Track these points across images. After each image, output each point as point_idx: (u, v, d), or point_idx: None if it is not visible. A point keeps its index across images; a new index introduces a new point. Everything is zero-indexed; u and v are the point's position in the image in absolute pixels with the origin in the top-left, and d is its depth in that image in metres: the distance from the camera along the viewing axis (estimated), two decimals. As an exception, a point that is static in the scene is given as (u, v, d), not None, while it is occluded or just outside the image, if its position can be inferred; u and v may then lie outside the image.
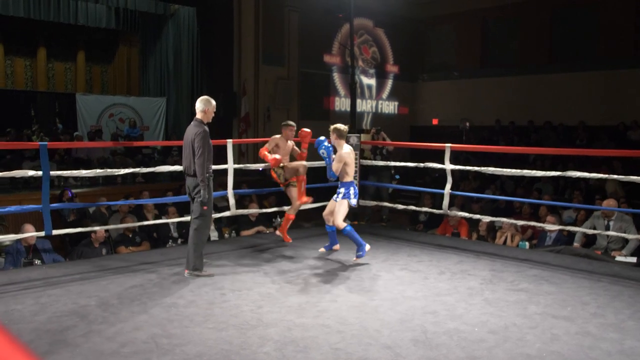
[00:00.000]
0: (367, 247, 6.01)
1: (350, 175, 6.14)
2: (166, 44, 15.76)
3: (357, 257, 5.97)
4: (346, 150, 6.11)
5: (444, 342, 3.76)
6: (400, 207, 8.17)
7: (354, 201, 6.15)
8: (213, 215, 7.98)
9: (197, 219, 5.35)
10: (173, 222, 7.83)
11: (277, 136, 6.80)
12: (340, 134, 6.14)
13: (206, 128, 5.34)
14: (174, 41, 15.45)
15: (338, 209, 6.06)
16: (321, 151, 6.20)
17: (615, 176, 6.23)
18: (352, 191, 6.13)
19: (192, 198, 5.44)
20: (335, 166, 6.07)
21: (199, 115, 5.40)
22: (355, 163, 8.06)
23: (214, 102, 5.50)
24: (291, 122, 6.92)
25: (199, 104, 5.41)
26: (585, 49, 15.44)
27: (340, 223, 5.97)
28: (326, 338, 3.81)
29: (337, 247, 6.44)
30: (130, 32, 17.06)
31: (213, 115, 5.50)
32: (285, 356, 3.53)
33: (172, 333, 3.87)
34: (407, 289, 5.02)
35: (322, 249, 6.47)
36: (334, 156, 6.15)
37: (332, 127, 6.19)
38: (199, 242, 5.35)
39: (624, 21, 14.58)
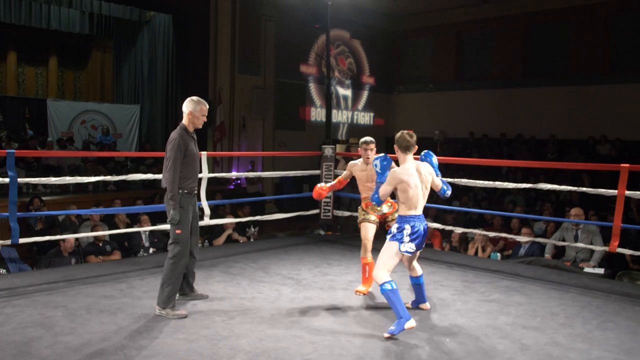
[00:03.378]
0: (409, 324, 3.99)
1: (411, 206, 4.23)
2: (141, 50, 15.62)
3: (389, 332, 4.02)
4: (399, 169, 4.27)
5: (415, 353, 3.77)
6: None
7: (408, 247, 4.20)
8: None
9: (172, 246, 4.51)
10: (145, 231, 7.72)
11: (355, 162, 5.42)
12: (400, 144, 4.32)
13: (185, 134, 4.51)
14: (149, 48, 15.32)
15: (381, 254, 4.27)
16: (374, 162, 4.50)
17: (584, 189, 6.34)
18: (406, 232, 4.20)
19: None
20: (383, 189, 4.31)
21: (183, 120, 4.56)
22: (327, 175, 8.10)
23: (203, 105, 4.57)
24: (368, 139, 5.31)
25: (184, 106, 4.56)
26: (557, 64, 15.75)
27: (379, 274, 4.15)
28: (298, 349, 3.79)
29: (425, 306, 4.70)
30: (104, 37, 16.87)
31: (203, 120, 4.59)
32: (257, 367, 3.50)
33: (142, 344, 3.81)
34: (380, 299, 5.01)
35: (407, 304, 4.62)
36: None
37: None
38: (173, 276, 4.46)
39: (595, 38, 14.92)
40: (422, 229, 4.26)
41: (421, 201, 4.29)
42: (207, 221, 6.83)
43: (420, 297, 4.71)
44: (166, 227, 7.08)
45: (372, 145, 5.26)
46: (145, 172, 8.71)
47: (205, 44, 14.54)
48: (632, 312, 4.83)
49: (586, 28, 15.08)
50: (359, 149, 5.32)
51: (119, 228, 8.01)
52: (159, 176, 7.25)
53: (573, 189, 6.38)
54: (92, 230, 7.52)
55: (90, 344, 3.77)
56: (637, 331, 4.35)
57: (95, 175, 7.50)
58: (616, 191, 5.77)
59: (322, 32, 13.46)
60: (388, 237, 4.33)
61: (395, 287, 4.09)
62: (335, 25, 15.17)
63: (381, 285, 4.09)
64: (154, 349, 3.73)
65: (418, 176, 4.28)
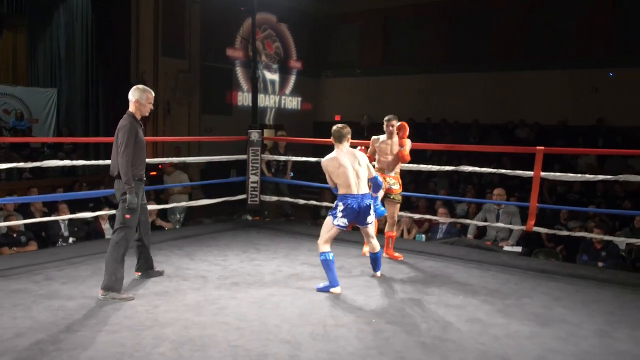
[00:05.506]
0: (335, 290, 4.72)
1: (344, 186, 4.82)
2: (57, 31, 14.75)
3: (318, 289, 4.81)
4: (326, 158, 4.92)
5: (342, 335, 3.80)
6: (302, 202, 8.21)
7: (340, 222, 4.81)
8: (109, 212, 7.65)
9: (119, 230, 4.59)
10: (64, 220, 7.39)
11: (378, 137, 5.95)
12: (334, 136, 4.96)
13: (134, 121, 4.61)
14: (66, 28, 14.51)
15: (322, 227, 4.94)
16: None
17: (503, 171, 6.59)
18: (340, 207, 4.82)
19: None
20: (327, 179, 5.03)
21: (130, 108, 4.67)
22: (254, 160, 8.03)
23: (149, 93, 4.70)
24: (391, 116, 5.94)
25: (130, 94, 4.68)
26: (479, 51, 16.23)
27: (320, 245, 4.83)
28: (225, 336, 3.74)
29: (377, 274, 5.31)
30: (16, 16, 15.80)
31: (150, 108, 4.73)
32: (182, 356, 3.42)
33: (60, 338, 3.64)
34: (307, 284, 5.03)
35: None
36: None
37: None
38: (119, 259, 4.53)
39: (514, 26, 15.48)
40: (356, 206, 4.79)
41: (354, 181, 4.81)
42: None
43: (373, 267, 5.31)
44: (86, 215, 6.85)
45: (394, 122, 5.89)
46: (64, 159, 8.24)
47: (127, 26, 13.94)
48: (547, 288, 5.09)
49: (506, 17, 15.61)
50: (384, 125, 5.92)
51: (35, 218, 7.61)
52: (78, 163, 7.00)
53: (493, 171, 6.64)
54: (5, 221, 7.09)
55: (1, 341, 3.55)
56: (551, 305, 4.58)
57: (8, 163, 7.04)
58: (532, 173, 6.03)
59: (248, 15, 13.22)
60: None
61: (331, 258, 4.76)
62: (261, 8, 14.95)
63: (320, 254, 4.79)
64: (72, 343, 3.57)
65: (351, 160, 4.87)
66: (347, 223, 4.83)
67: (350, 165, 4.83)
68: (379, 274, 5.29)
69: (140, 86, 4.75)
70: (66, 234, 7.50)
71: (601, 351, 3.68)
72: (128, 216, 4.60)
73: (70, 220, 7.29)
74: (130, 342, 3.60)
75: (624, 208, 9.24)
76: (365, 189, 4.87)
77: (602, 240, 6.65)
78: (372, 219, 5.00)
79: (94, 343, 3.57)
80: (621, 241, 6.76)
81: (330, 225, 4.85)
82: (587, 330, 4.02)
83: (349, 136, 4.98)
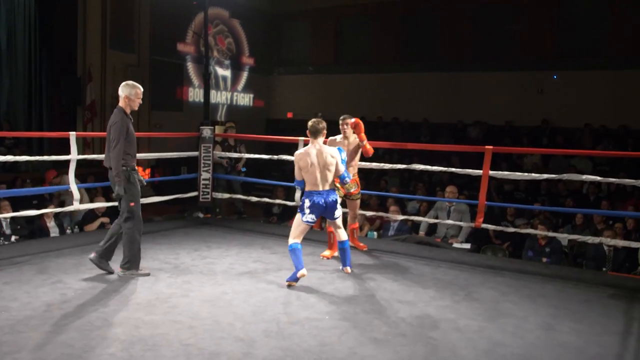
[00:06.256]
0: (300, 272, 4.79)
1: (309, 182, 5.05)
2: (-3, 21, 14.18)
3: (287, 279, 4.92)
4: (299, 151, 5.15)
5: (296, 332, 3.81)
6: (254, 199, 8.18)
7: (308, 217, 5.02)
8: (54, 209, 7.42)
9: (128, 219, 4.97)
10: (6, 218, 7.10)
11: (335, 137, 5.92)
12: (309, 130, 5.14)
13: (125, 117, 4.93)
14: (7, 18, 13.91)
15: (293, 223, 5.20)
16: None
17: (453, 169, 6.73)
18: (306, 204, 5.02)
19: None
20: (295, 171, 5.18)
21: (120, 103, 4.98)
22: (205, 157, 7.94)
23: (138, 89, 5.02)
24: (346, 115, 5.96)
25: (120, 90, 4.99)
26: (429, 51, 16.53)
27: (290, 238, 5.03)
28: (177, 334, 3.69)
29: (346, 269, 5.36)
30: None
31: (139, 102, 5.04)
32: (133, 356, 3.35)
33: (2, 341, 3.51)
34: (260, 281, 5.03)
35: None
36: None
37: None
38: (133, 243, 5.00)
39: (463, 29, 15.83)
40: (322, 202, 5.00)
41: (320, 179, 5.02)
42: (77, 205, 6.42)
43: (342, 261, 5.39)
44: (29, 212, 6.61)
45: (348, 120, 5.89)
46: (5, 154, 7.92)
47: (73, 16, 13.50)
48: (494, 283, 5.24)
49: (455, 19, 15.95)
50: (339, 124, 5.95)
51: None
52: (20, 158, 6.75)
53: (443, 169, 6.77)
54: (-59, 218, 6.79)
55: (-60, 344, 3.41)
56: (499, 300, 4.72)
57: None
58: (481, 171, 6.18)
59: (200, 9, 13.04)
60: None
61: (298, 247, 4.93)
62: (213, 3, 14.76)
63: (289, 245, 4.95)
64: (17, 345, 3.45)
65: (319, 157, 5.02)
66: (314, 218, 5.05)
67: (320, 166, 5.02)
68: (348, 269, 5.35)
69: (130, 82, 5.03)
70: (8, 231, 7.21)
71: (545, 343, 3.81)
72: (132, 204, 4.94)
73: (12, 217, 7.02)
74: (78, 342, 3.51)
75: (566, 206, 9.62)
76: (330, 186, 5.11)
77: (546, 236, 6.89)
78: (338, 212, 5.19)
79: (41, 344, 3.46)
80: (563, 237, 7.04)
81: (299, 222, 5.06)
82: (532, 324, 4.16)
83: (325, 131, 5.16)
